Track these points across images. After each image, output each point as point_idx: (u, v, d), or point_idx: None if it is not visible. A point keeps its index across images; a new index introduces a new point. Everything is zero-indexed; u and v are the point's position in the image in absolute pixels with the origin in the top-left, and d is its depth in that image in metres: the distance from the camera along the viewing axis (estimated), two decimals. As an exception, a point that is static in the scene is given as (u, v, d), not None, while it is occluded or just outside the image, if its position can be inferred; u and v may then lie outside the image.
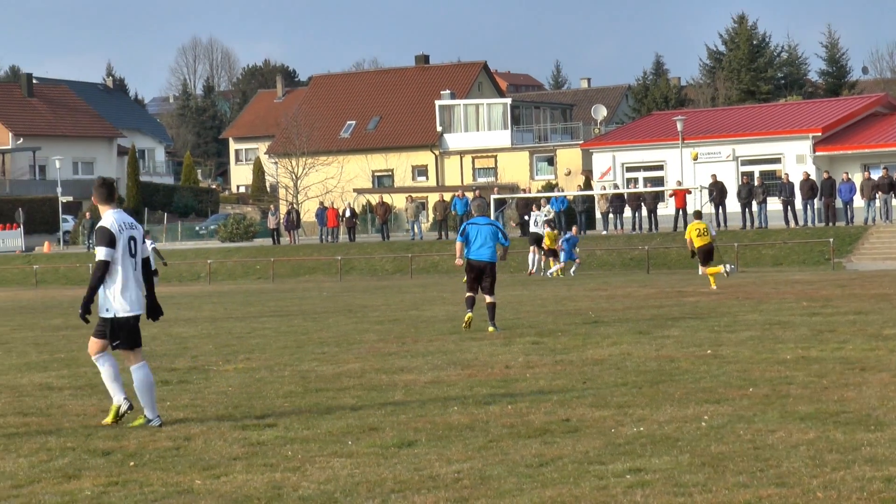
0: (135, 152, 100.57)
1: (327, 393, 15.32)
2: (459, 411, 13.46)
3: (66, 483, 10.49)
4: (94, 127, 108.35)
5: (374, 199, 79.20)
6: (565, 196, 63.97)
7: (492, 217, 55.56)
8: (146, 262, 13.51)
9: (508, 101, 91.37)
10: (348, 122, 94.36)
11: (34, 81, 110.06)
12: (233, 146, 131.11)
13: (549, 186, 75.98)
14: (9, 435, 12.96)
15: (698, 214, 37.71)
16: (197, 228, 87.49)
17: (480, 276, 23.05)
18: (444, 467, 10.56)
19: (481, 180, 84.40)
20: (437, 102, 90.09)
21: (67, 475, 10.79)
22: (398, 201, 77.33)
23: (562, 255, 48.48)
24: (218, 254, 65.26)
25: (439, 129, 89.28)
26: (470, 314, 23.27)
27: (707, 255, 36.09)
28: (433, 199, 73.55)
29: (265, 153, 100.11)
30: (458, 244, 23.72)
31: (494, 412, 13.31)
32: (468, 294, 23.36)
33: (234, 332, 25.23)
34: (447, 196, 67.87)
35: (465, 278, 23.68)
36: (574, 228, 53.77)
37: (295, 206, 76.24)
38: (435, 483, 9.97)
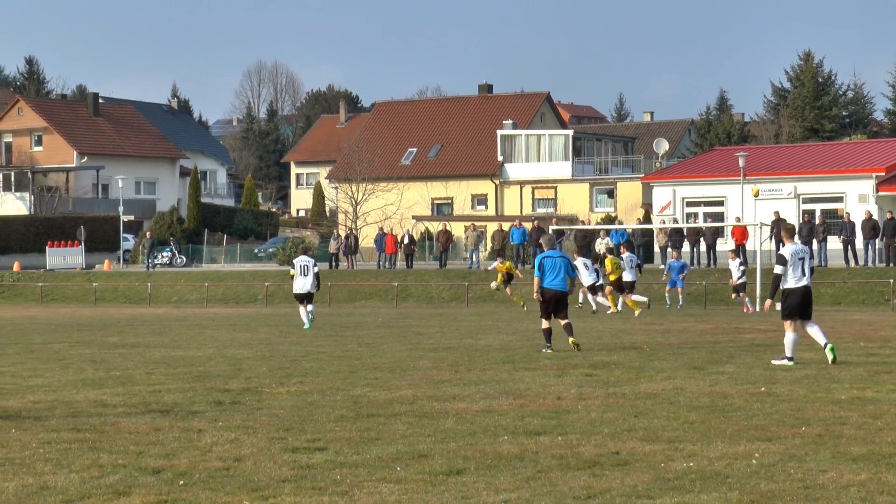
0: (197, 174, 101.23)
1: (378, 419, 15.35)
2: (509, 441, 13.45)
3: (116, 500, 10.57)
4: (158, 147, 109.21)
5: (433, 226, 79.32)
6: (625, 229, 63.81)
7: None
8: None
9: (570, 132, 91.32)
10: (409, 149, 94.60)
11: (100, 101, 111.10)
12: (294, 170, 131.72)
13: (609, 219, 75.85)
14: (62, 450, 13.06)
15: (611, 251, 46.17)
16: (256, 251, 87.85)
17: (556, 303, 24.91)
18: (491, 496, 10.56)
19: (540, 211, 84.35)
20: (499, 132, 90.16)
21: (118, 492, 10.87)
22: (456, 230, 77.39)
23: (669, 284, 49.03)
24: (276, 277, 65.46)
25: (500, 158, 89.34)
26: (550, 351, 24.88)
27: (619, 286, 43.76)
28: (492, 228, 73.57)
29: (326, 178, 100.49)
30: (536, 279, 25.11)
31: (544, 443, 13.29)
32: (546, 327, 25.24)
33: (288, 355, 25.32)
34: (506, 225, 67.85)
35: (540, 307, 25.25)
36: (675, 253, 53.77)
37: (354, 231, 76.44)
38: (482, 512, 9.97)
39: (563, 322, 25.21)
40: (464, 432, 14.13)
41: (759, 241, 51.67)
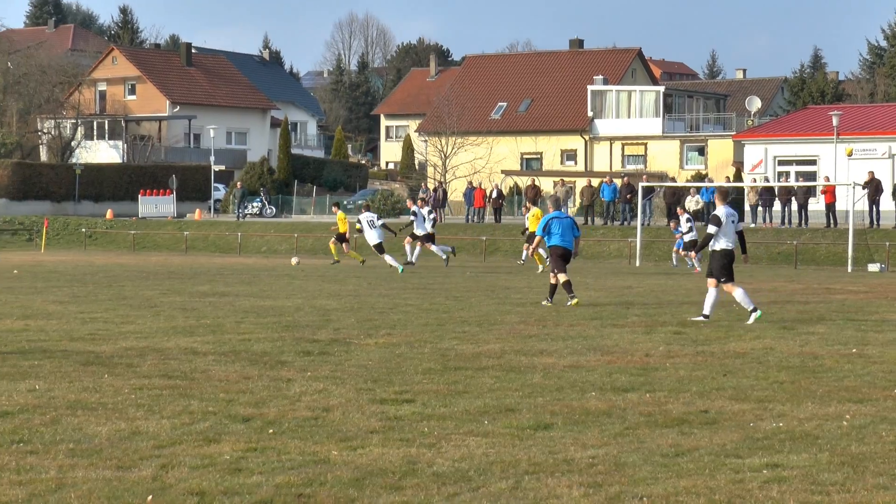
0: (287, 125, 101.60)
1: (466, 372, 15.38)
2: (597, 397, 13.44)
3: (207, 446, 10.68)
4: (249, 98, 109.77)
5: (522, 181, 79.15)
6: (715, 187, 63.29)
7: (640, 204, 55.30)
8: None
9: (661, 88, 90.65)
10: (499, 104, 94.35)
11: (193, 51, 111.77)
12: (384, 122, 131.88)
13: (699, 176, 75.27)
14: (154, 396, 13.21)
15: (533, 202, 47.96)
16: (345, 202, 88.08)
17: (566, 259, 26.17)
18: (579, 452, 10.55)
19: (630, 167, 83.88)
20: (590, 87, 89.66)
21: (208, 439, 10.98)
22: (545, 184, 77.18)
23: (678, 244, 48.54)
24: (364, 229, 65.59)
25: (590, 114, 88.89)
26: (576, 300, 25.88)
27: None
28: (581, 183, 73.29)
29: (415, 131, 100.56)
30: (538, 238, 26.91)
31: (632, 400, 13.26)
32: (565, 280, 26.03)
33: (376, 307, 25.41)
34: (594, 181, 67.55)
35: (552, 263, 26.36)
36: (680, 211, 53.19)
37: (443, 184, 76.49)
38: (569, 467, 9.97)
39: (563, 278, 26.15)
40: (551, 387, 14.13)
41: (852, 202, 51.03)
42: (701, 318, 22.43)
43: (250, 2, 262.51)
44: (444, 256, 45.11)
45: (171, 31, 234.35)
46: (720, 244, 22.35)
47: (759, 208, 61.91)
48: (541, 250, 42.46)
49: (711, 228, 22.33)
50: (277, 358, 16.52)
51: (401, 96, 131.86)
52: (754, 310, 22.35)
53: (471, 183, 72.42)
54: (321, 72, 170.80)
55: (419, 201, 46.84)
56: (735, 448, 10.74)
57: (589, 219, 63.56)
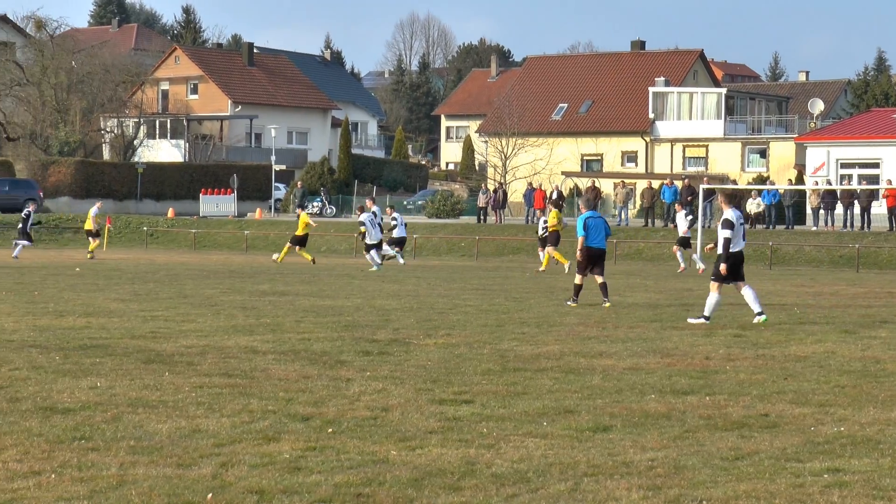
0: (348, 125, 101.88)
1: (525, 373, 15.36)
2: (656, 399, 13.39)
3: (266, 445, 10.72)
4: (310, 98, 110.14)
5: (582, 182, 78.98)
6: (777, 189, 62.96)
7: (701, 206, 55.05)
8: None
9: (723, 90, 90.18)
10: (560, 105, 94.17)
11: (255, 51, 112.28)
12: (444, 123, 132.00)
13: (761, 179, 74.87)
14: (214, 395, 13.28)
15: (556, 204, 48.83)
16: (405, 203, 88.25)
17: (596, 260, 26.21)
18: (638, 454, 10.52)
19: (691, 169, 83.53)
20: (651, 89, 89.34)
21: (267, 437, 11.03)
22: (605, 186, 77.01)
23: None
24: (424, 229, 65.80)
25: (651, 115, 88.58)
26: (575, 304, 26.28)
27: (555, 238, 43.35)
28: (641, 185, 73.06)
29: (476, 132, 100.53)
30: (581, 238, 26.17)
31: (692, 402, 13.20)
32: (579, 282, 26.45)
33: (436, 308, 25.43)
34: (655, 183, 67.31)
35: (579, 264, 26.35)
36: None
37: (503, 185, 76.45)
38: (628, 469, 9.95)
39: (599, 280, 26.38)
40: (610, 389, 14.10)
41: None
42: (701, 321, 22.32)
43: (312, 2, 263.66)
44: (377, 265, 43.16)
45: (233, 31, 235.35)
46: (733, 246, 22.46)
47: (821, 211, 61.49)
48: (550, 249, 42.75)
49: (727, 232, 22.36)
50: (337, 357, 16.57)
51: (461, 97, 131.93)
52: (760, 313, 22.33)
53: (531, 184, 72.38)
54: (382, 72, 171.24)
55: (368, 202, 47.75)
56: (796, 452, 10.67)
57: (649, 221, 63.35)
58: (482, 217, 69.37)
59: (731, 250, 22.33)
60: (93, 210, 51.85)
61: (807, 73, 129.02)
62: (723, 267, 22.29)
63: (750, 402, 13.25)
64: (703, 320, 22.28)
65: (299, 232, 46.83)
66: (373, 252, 43.32)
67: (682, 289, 33.62)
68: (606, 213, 74.72)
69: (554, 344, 18.66)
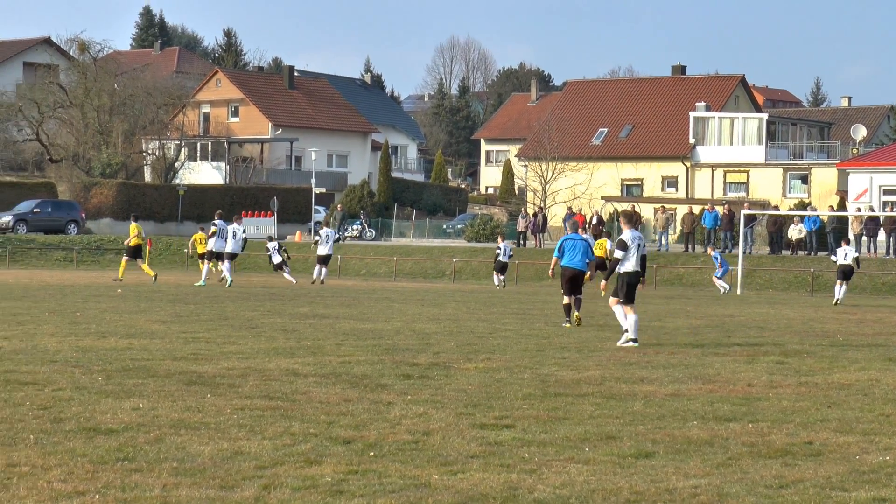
0: (388, 148, 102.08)
1: (566, 398, 15.32)
2: (699, 426, 13.32)
3: (308, 468, 10.72)
4: (350, 121, 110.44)
5: (622, 207, 78.81)
6: (818, 216, 62.67)
7: (742, 232, 54.85)
8: None
9: (765, 116, 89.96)
10: (600, 129, 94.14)
11: (295, 74, 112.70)
12: (484, 147, 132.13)
13: (802, 205, 74.57)
14: (255, 417, 13.29)
15: (599, 232, 45.49)
16: (444, 227, 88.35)
17: (575, 281, 26.77)
18: (681, 481, 10.47)
19: (732, 195, 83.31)
20: (692, 114, 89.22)
21: (309, 460, 11.02)
22: (646, 211, 76.86)
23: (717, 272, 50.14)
24: (463, 253, 65.79)
25: (692, 140, 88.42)
26: (569, 325, 26.99)
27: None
28: (681, 211, 72.89)
29: (516, 156, 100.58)
30: (555, 259, 26.98)
31: (735, 429, 13.13)
32: (566, 302, 27.14)
33: (476, 332, 25.41)
34: (696, 209, 67.15)
35: (562, 286, 27.10)
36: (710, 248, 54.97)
37: (542, 209, 76.42)
38: (671, 496, 9.89)
39: (575, 297, 27.08)
40: (652, 415, 14.04)
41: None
42: (631, 343, 22.49)
43: (352, 26, 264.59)
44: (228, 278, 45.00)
45: (274, 54, 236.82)
46: (626, 267, 22.87)
47: (864, 238, 61.14)
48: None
49: (619, 253, 22.95)
50: (378, 381, 16.56)
51: (501, 121, 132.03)
52: (634, 340, 22.59)
53: (570, 209, 72.30)
54: (422, 96, 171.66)
55: (326, 221, 50.80)
56: (841, 481, 10.60)
57: (689, 246, 63.18)
58: (522, 241, 69.32)
59: (625, 270, 22.84)
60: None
61: (849, 98, 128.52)
62: (604, 283, 23.03)
63: (793, 430, 13.17)
64: (632, 343, 22.52)
65: (131, 243, 46.18)
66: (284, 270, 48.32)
67: (724, 314, 33.49)
68: (647, 237, 74.59)
69: (595, 369, 18.60)
